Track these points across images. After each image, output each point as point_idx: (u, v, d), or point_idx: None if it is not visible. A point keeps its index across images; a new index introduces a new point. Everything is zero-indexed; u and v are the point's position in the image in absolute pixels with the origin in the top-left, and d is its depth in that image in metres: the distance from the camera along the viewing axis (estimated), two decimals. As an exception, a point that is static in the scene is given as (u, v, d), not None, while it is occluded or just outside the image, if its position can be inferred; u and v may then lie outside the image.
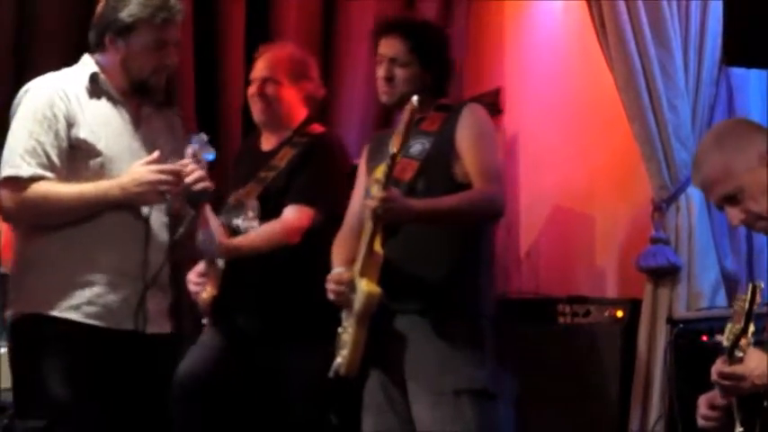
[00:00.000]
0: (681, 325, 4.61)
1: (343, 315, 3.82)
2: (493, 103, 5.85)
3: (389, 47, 3.87)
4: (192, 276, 4.35)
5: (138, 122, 3.63)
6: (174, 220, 3.62)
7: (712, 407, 3.09)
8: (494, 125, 3.93)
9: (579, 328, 5.11)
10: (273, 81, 4.55)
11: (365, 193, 3.88)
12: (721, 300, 4.88)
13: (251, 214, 4.42)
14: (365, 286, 3.65)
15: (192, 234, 3.69)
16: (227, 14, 5.66)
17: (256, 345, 4.43)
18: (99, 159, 3.52)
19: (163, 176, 3.50)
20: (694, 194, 4.92)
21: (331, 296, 3.78)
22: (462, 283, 3.78)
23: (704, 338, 4.49)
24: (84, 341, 3.47)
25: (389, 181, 3.55)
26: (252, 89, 4.59)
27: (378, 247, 3.66)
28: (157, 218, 3.58)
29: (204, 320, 4.46)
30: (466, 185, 3.76)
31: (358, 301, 3.68)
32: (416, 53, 3.85)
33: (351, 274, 3.74)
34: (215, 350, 4.44)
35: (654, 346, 4.90)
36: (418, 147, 3.81)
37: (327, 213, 4.38)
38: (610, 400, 4.98)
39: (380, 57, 3.90)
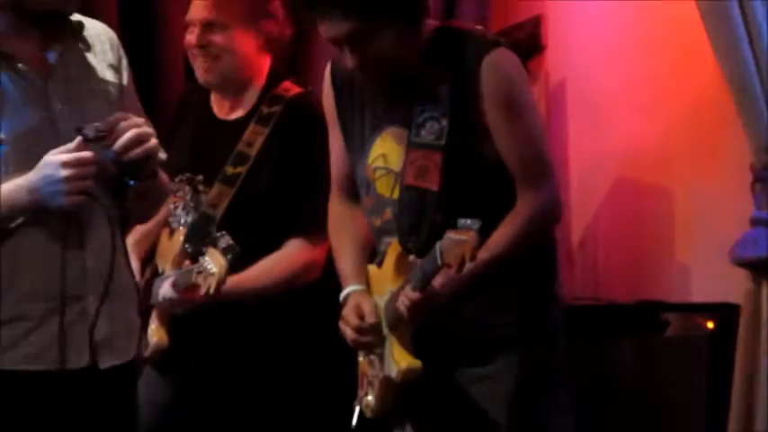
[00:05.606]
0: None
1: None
2: (531, 37, 5.53)
3: (335, 30, 3.32)
4: None
5: (46, 73, 3.13)
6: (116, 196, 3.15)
7: None
8: (527, 77, 3.53)
9: (654, 343, 4.77)
10: (220, 26, 4.04)
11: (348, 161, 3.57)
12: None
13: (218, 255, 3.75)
14: (403, 361, 3.44)
15: (142, 197, 3.25)
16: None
17: (217, 393, 4.09)
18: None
19: (83, 170, 2.99)
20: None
21: (349, 341, 3.57)
22: (535, 301, 3.53)
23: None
24: (20, 392, 3.06)
25: (425, 282, 3.24)
26: (190, 38, 4.09)
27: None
28: (89, 208, 3.12)
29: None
30: (500, 164, 3.40)
31: (392, 370, 3.47)
32: (371, 18, 3.26)
33: (375, 319, 3.49)
34: (164, 408, 4.12)
35: (756, 361, 4.44)
36: (433, 125, 3.41)
37: None
38: (695, 430, 4.64)
39: (333, 43, 3.38)
